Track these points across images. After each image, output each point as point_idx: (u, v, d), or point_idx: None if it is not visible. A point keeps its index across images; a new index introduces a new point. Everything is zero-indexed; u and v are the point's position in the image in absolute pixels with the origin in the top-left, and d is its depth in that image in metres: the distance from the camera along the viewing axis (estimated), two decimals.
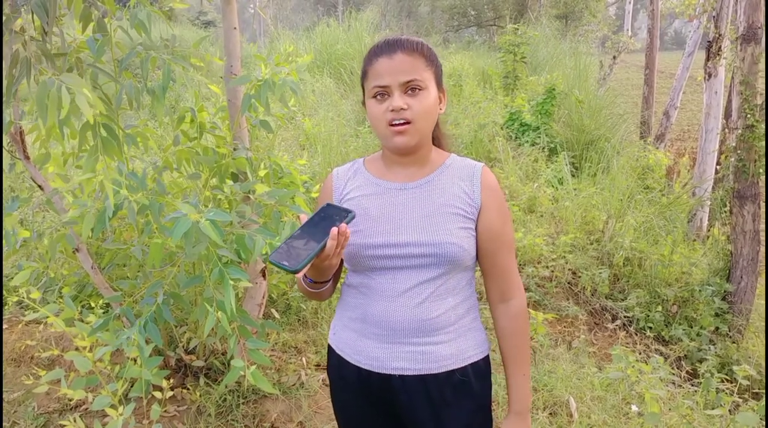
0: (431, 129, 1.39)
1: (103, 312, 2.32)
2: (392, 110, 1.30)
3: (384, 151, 1.45)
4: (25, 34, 2.04)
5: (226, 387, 2.80)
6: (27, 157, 2.46)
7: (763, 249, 4.45)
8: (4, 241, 2.30)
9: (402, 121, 1.31)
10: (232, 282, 2.07)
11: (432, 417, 1.39)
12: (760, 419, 2.64)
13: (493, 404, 1.49)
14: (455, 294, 1.39)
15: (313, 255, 1.17)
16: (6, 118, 2.26)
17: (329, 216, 1.24)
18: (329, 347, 1.53)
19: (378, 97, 1.33)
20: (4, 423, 2.66)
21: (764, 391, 3.61)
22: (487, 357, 1.47)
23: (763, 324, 4.49)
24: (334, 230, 1.19)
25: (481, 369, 1.43)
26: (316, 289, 1.40)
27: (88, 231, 2.08)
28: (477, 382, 1.42)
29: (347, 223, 1.22)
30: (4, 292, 3.21)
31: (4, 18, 1.94)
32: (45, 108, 1.81)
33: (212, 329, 2.11)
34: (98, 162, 2.18)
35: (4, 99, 2.04)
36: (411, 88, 1.31)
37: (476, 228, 1.39)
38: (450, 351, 1.37)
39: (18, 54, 1.98)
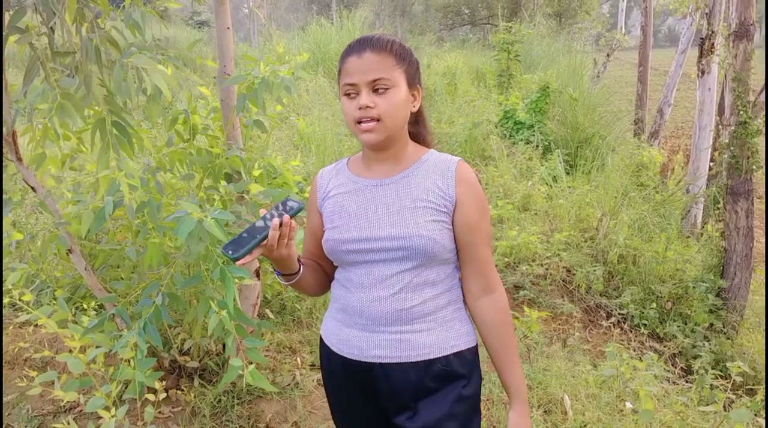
0: (401, 126, 1.42)
1: (96, 314, 2.30)
2: (360, 108, 1.34)
3: (363, 149, 1.49)
4: (32, 32, 2.03)
5: (223, 387, 2.79)
6: (20, 159, 2.45)
7: (756, 245, 4.47)
8: None
9: (369, 119, 1.35)
10: (236, 281, 2.07)
11: (413, 405, 1.41)
12: (755, 414, 2.66)
13: (486, 400, 1.48)
14: (434, 286, 1.42)
15: (253, 245, 1.24)
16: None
17: (285, 209, 1.31)
18: (320, 338, 1.58)
19: (348, 95, 1.37)
20: None
21: (758, 387, 3.63)
22: (474, 348, 1.48)
23: (758, 319, 4.52)
24: (275, 221, 1.26)
25: (466, 360, 1.44)
26: (287, 282, 1.48)
27: (86, 229, 2.08)
28: (462, 372, 1.43)
29: (292, 216, 1.28)
30: None
31: (9, 17, 1.93)
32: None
33: (206, 330, 2.11)
34: (110, 159, 2.18)
35: (4, 99, 2.03)
36: (378, 86, 1.34)
37: (453, 222, 1.41)
38: (429, 340, 1.40)
39: (36, 52, 1.98)
